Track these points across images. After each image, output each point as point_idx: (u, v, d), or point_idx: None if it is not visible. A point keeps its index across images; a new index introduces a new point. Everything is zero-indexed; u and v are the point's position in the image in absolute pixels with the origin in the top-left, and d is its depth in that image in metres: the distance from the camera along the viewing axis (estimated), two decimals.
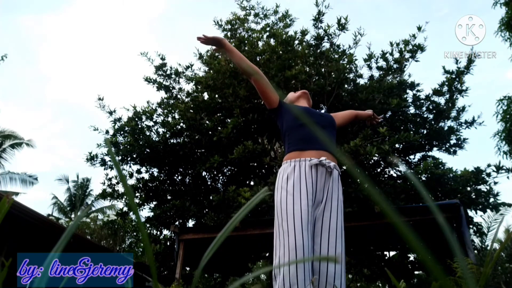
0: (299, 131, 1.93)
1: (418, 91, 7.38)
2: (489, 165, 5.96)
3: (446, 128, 7.04)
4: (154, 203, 7.83)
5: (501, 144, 8.95)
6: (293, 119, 1.98)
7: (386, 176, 7.34)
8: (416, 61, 7.23)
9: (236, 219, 0.39)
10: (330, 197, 1.81)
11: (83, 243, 6.15)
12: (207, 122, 7.21)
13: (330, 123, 2.08)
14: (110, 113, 7.69)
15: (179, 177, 8.06)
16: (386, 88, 6.92)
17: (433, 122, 7.10)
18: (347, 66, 7.08)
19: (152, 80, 8.15)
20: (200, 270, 0.37)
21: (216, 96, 7.40)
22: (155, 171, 7.97)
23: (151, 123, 7.64)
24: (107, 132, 7.69)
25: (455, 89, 6.96)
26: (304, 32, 7.39)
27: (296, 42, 7.49)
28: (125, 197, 7.56)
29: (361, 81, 7.67)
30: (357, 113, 2.42)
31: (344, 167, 5.37)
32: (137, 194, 7.62)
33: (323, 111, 7.01)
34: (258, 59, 7.27)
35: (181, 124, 7.43)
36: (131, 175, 7.78)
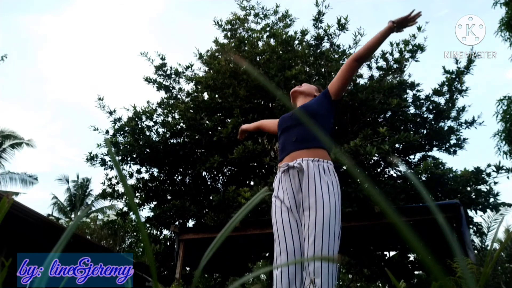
0: (279, 143, 2.06)
1: (418, 91, 7.38)
2: (489, 165, 5.96)
3: (446, 128, 7.04)
4: (154, 203, 7.84)
5: (501, 144, 8.94)
6: (279, 128, 2.13)
7: (386, 176, 7.34)
8: (416, 61, 7.23)
9: (236, 219, 0.39)
10: (306, 195, 1.77)
11: (83, 243, 6.15)
12: (207, 122, 7.21)
13: (308, 113, 1.96)
14: (110, 113, 7.69)
15: (179, 177, 8.06)
16: (386, 88, 6.91)
17: (433, 122, 7.10)
18: None
19: (152, 80, 8.15)
20: (200, 270, 0.37)
21: (216, 96, 7.41)
22: (155, 171, 7.97)
23: (151, 123, 7.65)
24: (107, 132, 7.70)
25: (455, 89, 6.96)
26: (304, 32, 7.39)
27: (296, 42, 7.49)
28: (125, 197, 7.56)
29: (361, 81, 7.67)
30: (357, 55, 1.97)
31: (344, 167, 5.37)
32: (137, 194, 7.62)
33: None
34: (258, 59, 7.27)
35: (181, 124, 7.43)
36: (131, 175, 7.78)
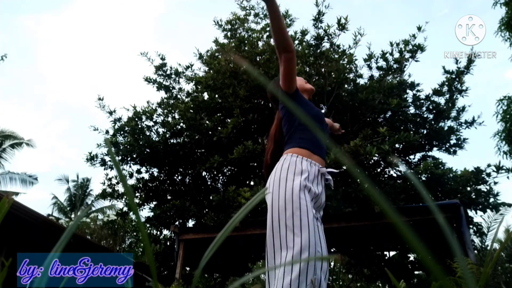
0: (312, 130, 1.93)
1: (418, 91, 7.38)
2: (489, 165, 5.96)
3: (446, 128, 7.04)
4: (154, 203, 7.84)
5: (501, 144, 8.94)
6: (311, 117, 1.90)
7: (386, 176, 7.34)
8: (416, 61, 7.24)
9: (236, 219, 0.39)
10: (323, 205, 1.84)
11: (83, 243, 6.15)
12: (207, 122, 7.21)
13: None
14: (110, 113, 7.69)
15: (179, 177, 8.06)
16: (386, 88, 6.92)
17: (433, 122, 7.10)
18: (347, 66, 7.07)
19: (152, 80, 8.16)
20: (200, 270, 0.37)
21: (216, 96, 7.41)
22: (155, 171, 7.98)
23: (151, 123, 7.65)
24: (107, 132, 7.70)
25: (455, 89, 6.96)
26: (304, 32, 7.40)
27: (296, 42, 7.49)
28: (125, 197, 7.56)
29: (361, 81, 7.68)
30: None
31: (344, 167, 5.37)
32: (137, 194, 7.62)
33: (323, 111, 7.01)
34: (258, 59, 7.27)
35: (181, 124, 7.43)
36: (131, 175, 7.78)
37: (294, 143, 1.84)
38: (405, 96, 7.27)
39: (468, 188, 5.96)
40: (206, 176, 7.98)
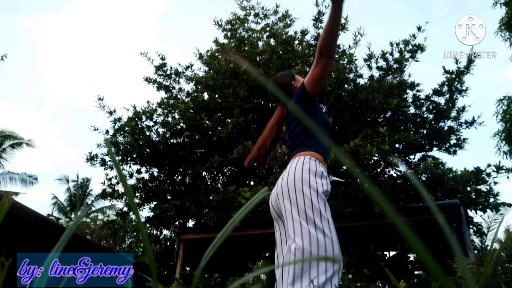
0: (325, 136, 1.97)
1: (418, 91, 7.38)
2: (489, 165, 5.96)
3: (446, 128, 7.04)
4: (154, 203, 7.84)
5: (501, 144, 8.93)
6: (322, 123, 1.94)
7: (386, 176, 7.34)
8: (416, 61, 7.23)
9: (236, 219, 0.39)
10: None
11: (83, 243, 6.15)
12: (207, 122, 7.21)
13: None
14: (110, 113, 7.69)
15: (179, 177, 8.06)
16: (386, 88, 6.92)
17: (433, 122, 7.10)
18: (347, 66, 7.07)
19: (152, 80, 8.16)
20: (200, 270, 0.37)
21: (216, 96, 7.41)
22: (155, 171, 7.98)
23: (151, 123, 7.65)
24: (107, 132, 7.70)
25: (455, 89, 6.96)
26: (304, 32, 7.40)
27: (296, 42, 7.49)
28: (125, 197, 7.56)
29: (361, 81, 7.68)
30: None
31: (344, 167, 5.37)
32: (137, 194, 7.62)
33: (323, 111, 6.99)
34: (258, 59, 7.27)
35: (181, 124, 7.43)
36: (131, 175, 7.78)
37: (311, 147, 1.83)
38: (405, 96, 7.27)
39: (468, 188, 5.96)
40: (206, 176, 7.98)
